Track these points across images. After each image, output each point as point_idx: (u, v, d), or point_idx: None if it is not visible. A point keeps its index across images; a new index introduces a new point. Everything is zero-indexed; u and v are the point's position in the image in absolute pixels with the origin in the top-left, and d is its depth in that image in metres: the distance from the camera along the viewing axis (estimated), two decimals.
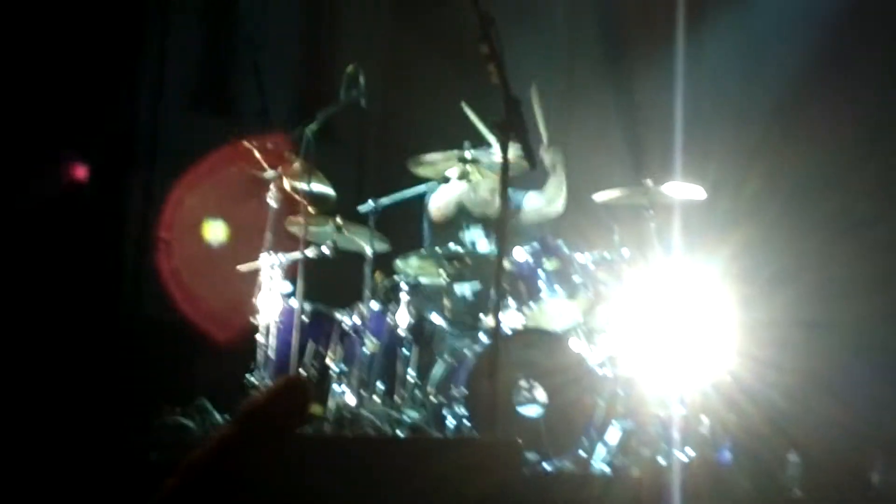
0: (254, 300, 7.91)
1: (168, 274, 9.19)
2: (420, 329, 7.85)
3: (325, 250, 7.93)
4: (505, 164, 5.35)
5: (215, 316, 8.82)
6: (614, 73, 9.68)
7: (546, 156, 8.27)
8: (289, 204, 8.01)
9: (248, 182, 8.07)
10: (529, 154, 5.45)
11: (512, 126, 5.35)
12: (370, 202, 8.05)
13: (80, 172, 8.91)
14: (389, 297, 8.12)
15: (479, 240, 8.39)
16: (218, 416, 7.68)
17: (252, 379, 7.76)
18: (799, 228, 8.80)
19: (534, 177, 7.98)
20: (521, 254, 7.78)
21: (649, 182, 7.71)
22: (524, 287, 7.75)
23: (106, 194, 9.14)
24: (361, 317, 7.82)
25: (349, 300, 8.07)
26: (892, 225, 8.63)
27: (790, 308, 8.54)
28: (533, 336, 7.62)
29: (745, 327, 7.83)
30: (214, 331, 8.64)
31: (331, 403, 7.72)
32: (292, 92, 9.98)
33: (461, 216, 8.51)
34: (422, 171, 7.96)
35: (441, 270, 7.89)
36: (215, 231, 9.41)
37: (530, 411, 7.23)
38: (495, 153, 6.92)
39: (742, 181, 8.86)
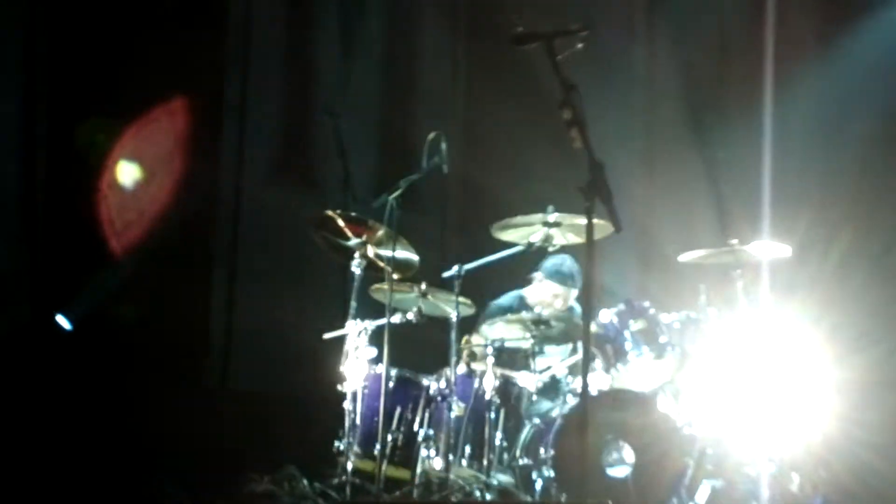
0: (340, 367, 7.96)
1: None
2: (507, 392, 7.85)
3: (411, 316, 7.96)
4: (590, 227, 5.36)
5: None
6: (697, 132, 9.67)
7: None
8: (374, 271, 8.07)
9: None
10: (615, 217, 5.46)
11: (597, 190, 5.36)
12: (454, 267, 8.07)
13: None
14: (476, 362, 8.16)
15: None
16: (306, 484, 7.72)
17: (340, 446, 7.79)
18: (887, 288, 8.74)
19: None
20: (607, 315, 7.80)
21: (735, 241, 7.69)
22: (611, 348, 7.77)
23: (191, 265, 9.26)
24: (447, 381, 7.82)
25: (435, 365, 8.10)
26: None
27: (879, 367, 8.47)
28: (620, 397, 7.62)
29: (834, 386, 7.77)
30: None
31: (418, 469, 7.74)
32: (374, 160, 10.04)
33: None
34: (504, 236, 7.98)
35: (527, 334, 7.90)
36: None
37: (619, 472, 7.21)
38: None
39: (830, 240, 8.83)
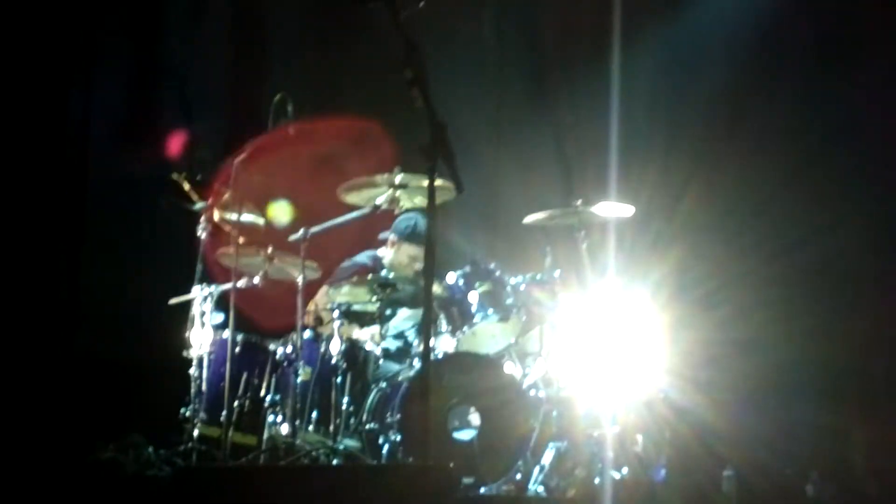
0: (186, 333, 7.86)
1: None
2: (353, 356, 7.82)
3: (256, 280, 7.89)
4: (432, 188, 5.32)
5: None
6: (543, 94, 9.69)
7: None
8: (219, 235, 7.98)
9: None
10: (457, 179, 5.43)
11: (439, 150, 5.32)
12: (301, 230, 8.00)
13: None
14: (321, 326, 8.11)
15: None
16: (151, 451, 7.62)
17: (185, 412, 7.71)
18: (731, 249, 8.85)
19: None
20: (452, 277, 7.78)
21: (580, 202, 7.71)
22: (456, 311, 7.76)
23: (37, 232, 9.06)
24: (294, 346, 7.77)
25: (281, 330, 8.04)
26: (821, 247, 8.69)
27: (722, 328, 8.59)
28: (466, 360, 7.61)
29: (677, 347, 7.86)
30: None
31: (265, 434, 7.69)
32: (221, 122, 9.91)
33: None
34: (351, 198, 7.91)
35: (374, 297, 7.86)
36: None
37: (465, 436, 7.22)
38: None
39: (674, 201, 8.90)
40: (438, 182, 5.28)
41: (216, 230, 7.98)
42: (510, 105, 9.82)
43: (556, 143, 9.43)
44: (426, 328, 5.41)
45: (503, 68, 9.91)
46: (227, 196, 7.85)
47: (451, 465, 5.51)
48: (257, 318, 8.09)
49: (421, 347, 7.71)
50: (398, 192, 7.76)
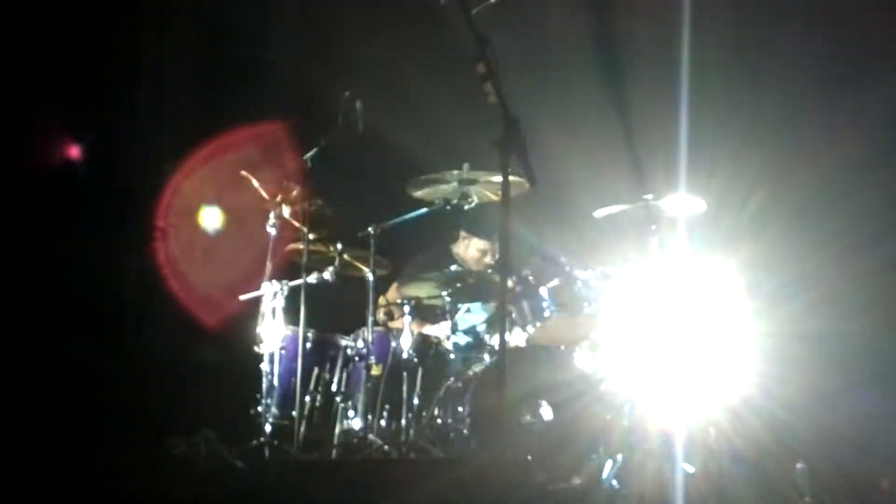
0: (257, 329, 7.90)
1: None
2: (424, 351, 7.85)
3: (327, 276, 7.92)
4: (505, 183, 5.32)
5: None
6: (613, 87, 9.63)
7: None
8: (289, 232, 8.03)
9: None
10: (530, 173, 5.43)
11: (512, 144, 5.32)
12: (370, 227, 8.03)
13: None
14: (392, 321, 8.14)
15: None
16: (224, 447, 7.67)
17: (258, 408, 7.76)
18: (804, 243, 8.78)
19: None
20: (523, 272, 7.79)
21: (650, 196, 7.69)
22: (527, 305, 7.76)
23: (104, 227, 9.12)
24: (364, 341, 7.81)
25: (352, 326, 8.07)
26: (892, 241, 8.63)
27: (794, 322, 8.52)
28: (537, 353, 7.63)
29: (749, 341, 7.81)
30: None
31: (337, 429, 7.73)
32: (288, 119, 9.95)
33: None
34: (420, 194, 7.95)
35: (444, 292, 7.89)
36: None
37: (537, 429, 7.21)
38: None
39: (747, 195, 8.85)
40: (511, 177, 5.29)
41: (285, 226, 8.02)
42: (579, 98, 9.77)
43: (627, 136, 9.38)
44: (501, 321, 5.43)
45: (569, 59, 9.86)
46: (296, 192, 7.90)
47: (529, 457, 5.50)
48: (328, 314, 8.13)
49: (491, 342, 7.74)
50: (467, 188, 7.79)
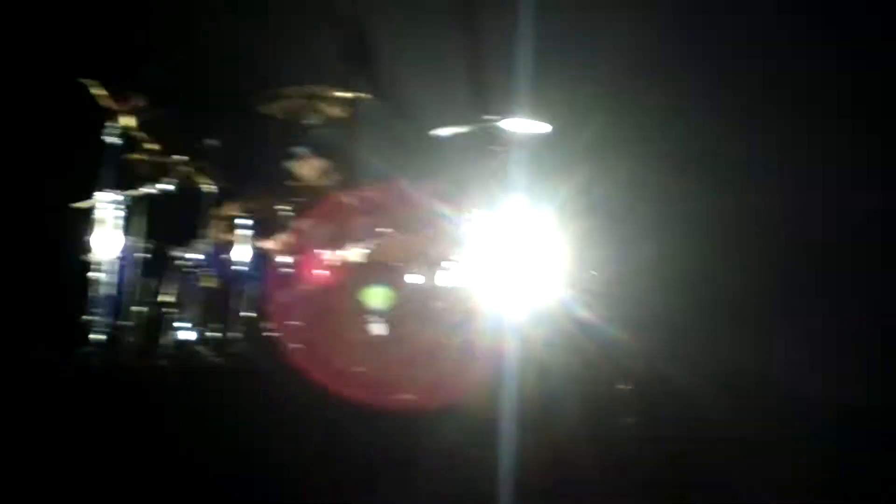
0: (88, 238, 7.80)
1: None
2: (261, 265, 7.83)
3: (165, 187, 7.85)
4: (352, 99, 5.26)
5: None
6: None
7: None
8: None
9: None
10: (374, 86, 5.38)
11: (357, 57, 5.28)
12: (212, 139, 7.95)
13: None
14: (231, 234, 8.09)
15: None
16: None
17: (88, 317, 7.66)
18: (639, 165, 8.83)
19: None
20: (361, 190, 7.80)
21: (491, 118, 7.69)
22: (365, 222, 7.77)
23: None
24: (201, 254, 7.77)
25: (190, 239, 8.01)
26: (728, 161, 8.70)
27: (629, 245, 8.59)
28: (373, 269, 7.62)
29: (584, 262, 7.88)
30: None
31: (168, 339, 7.68)
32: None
33: None
34: (266, 109, 7.94)
35: (283, 207, 7.87)
36: None
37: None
38: None
39: (589, 118, 8.87)
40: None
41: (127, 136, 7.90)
42: (423, 11, 9.68)
43: (470, 54, 9.32)
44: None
45: None
46: (138, 102, 7.80)
47: None
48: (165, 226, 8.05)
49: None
50: (311, 104, 7.75)
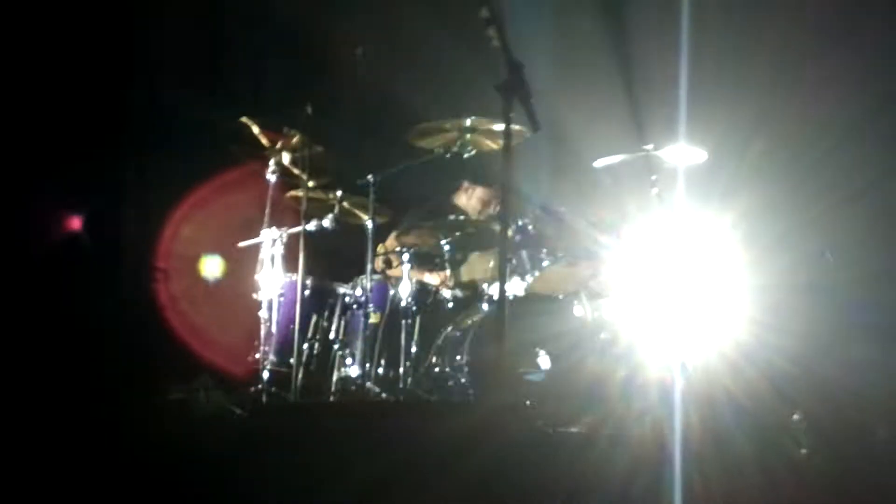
0: (256, 276, 7.90)
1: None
2: (422, 300, 7.85)
3: (326, 224, 7.91)
4: (507, 128, 5.29)
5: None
6: (615, 34, 9.56)
7: None
8: (288, 179, 8.01)
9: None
10: (532, 118, 5.39)
11: (514, 89, 5.29)
12: (370, 175, 8.00)
13: None
14: (391, 269, 8.14)
15: None
16: (221, 393, 7.69)
17: (256, 355, 7.75)
18: (801, 194, 8.76)
19: None
20: (522, 222, 7.79)
21: (650, 147, 7.67)
22: (526, 255, 7.77)
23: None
24: (363, 289, 7.80)
25: (351, 274, 8.06)
26: (889, 191, 8.61)
27: (791, 272, 8.51)
28: (535, 303, 7.62)
29: (747, 291, 7.82)
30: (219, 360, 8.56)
31: (334, 377, 7.73)
32: (289, 67, 9.88)
33: None
34: (422, 143, 7.92)
35: (443, 240, 7.89)
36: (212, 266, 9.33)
37: (534, 378, 7.21)
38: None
39: (746, 145, 8.81)
40: (512, 125, 5.25)
41: (285, 173, 8.00)
42: (580, 44, 9.70)
43: (627, 85, 9.32)
44: (501, 270, 5.41)
45: (574, 6, 9.78)
46: (296, 139, 7.88)
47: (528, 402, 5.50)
48: (327, 261, 8.13)
49: (490, 291, 7.74)
50: (468, 136, 7.76)
